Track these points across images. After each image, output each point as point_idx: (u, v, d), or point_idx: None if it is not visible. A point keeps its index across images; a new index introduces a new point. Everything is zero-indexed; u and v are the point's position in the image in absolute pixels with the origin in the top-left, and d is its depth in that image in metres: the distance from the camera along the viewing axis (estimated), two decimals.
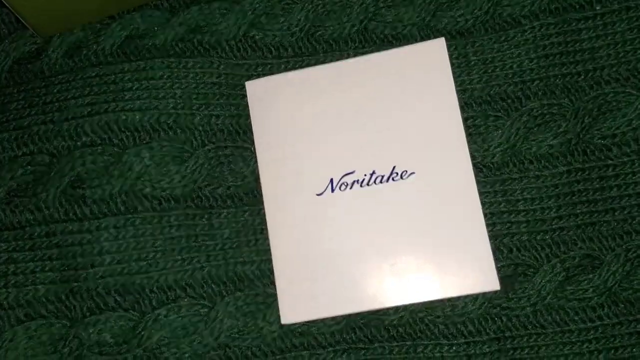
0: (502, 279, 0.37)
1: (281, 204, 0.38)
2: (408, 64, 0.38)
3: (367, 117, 0.38)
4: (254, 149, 0.38)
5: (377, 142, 0.38)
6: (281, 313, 0.36)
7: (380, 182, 0.37)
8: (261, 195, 0.38)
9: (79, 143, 0.38)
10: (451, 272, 0.35)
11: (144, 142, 0.38)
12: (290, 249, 0.37)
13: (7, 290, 0.37)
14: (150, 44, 0.40)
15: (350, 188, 0.37)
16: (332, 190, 0.37)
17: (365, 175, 0.37)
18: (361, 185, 0.37)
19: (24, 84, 0.40)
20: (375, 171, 0.37)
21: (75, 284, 0.38)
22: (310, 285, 0.36)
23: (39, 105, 0.39)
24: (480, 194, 0.37)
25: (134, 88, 0.39)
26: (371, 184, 0.37)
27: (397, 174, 0.37)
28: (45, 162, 0.38)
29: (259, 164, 0.38)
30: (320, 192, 0.37)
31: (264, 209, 0.38)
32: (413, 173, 0.37)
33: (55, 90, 0.39)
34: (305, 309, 0.36)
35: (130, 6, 0.40)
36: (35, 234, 0.38)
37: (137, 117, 0.38)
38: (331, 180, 0.38)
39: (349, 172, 0.38)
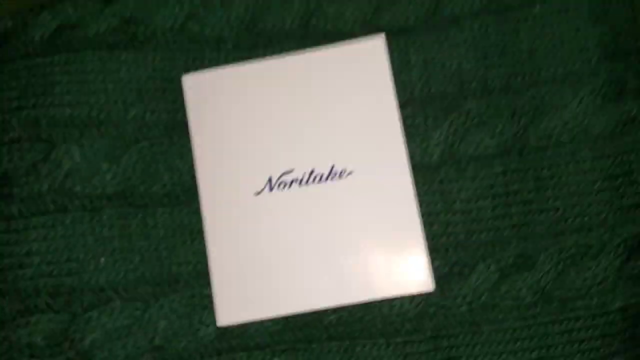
0: (439, 278, 0.37)
1: (218, 203, 0.37)
2: (347, 61, 0.37)
3: (307, 115, 0.37)
4: (192, 145, 0.38)
5: (316, 140, 0.37)
6: (217, 314, 0.35)
7: (319, 181, 0.36)
8: (198, 194, 0.37)
9: (5, 139, 0.37)
10: (387, 272, 0.35)
11: (74, 138, 0.37)
12: (228, 249, 0.36)
13: None
14: (82, 34, 0.38)
15: (289, 187, 0.37)
16: (271, 189, 0.37)
17: (304, 173, 0.37)
18: (300, 184, 0.37)
19: None
20: (314, 170, 0.37)
21: (3, 285, 0.36)
22: (248, 286, 0.36)
23: None
24: (418, 193, 0.37)
25: (64, 82, 0.37)
26: (310, 183, 0.36)
27: (335, 172, 0.37)
28: None
29: (196, 161, 0.37)
30: (259, 190, 0.37)
31: (200, 207, 0.37)
32: (352, 172, 0.36)
33: None
34: (243, 310, 0.36)
35: None
36: None
37: (67, 112, 0.37)
38: (269, 179, 0.37)
39: (287, 170, 0.37)
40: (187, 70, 0.38)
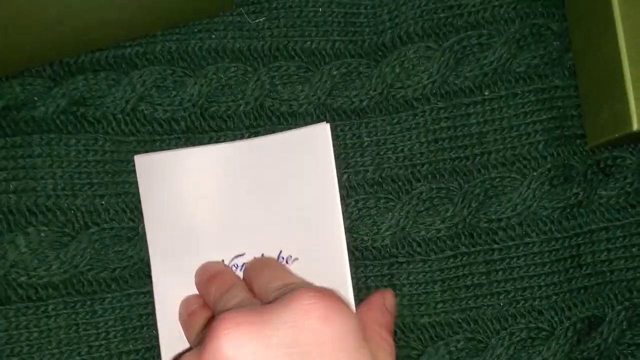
0: None
1: (170, 287, 0.36)
2: (294, 148, 0.38)
3: (257, 200, 0.37)
4: (142, 228, 0.37)
5: (266, 225, 0.37)
6: None
7: None
8: (149, 277, 0.37)
9: None
10: None
11: (20, 227, 0.36)
12: (179, 335, 0.36)
13: None
14: (28, 116, 0.37)
15: (241, 270, 0.37)
16: None
17: (254, 257, 0.37)
18: None
19: None
20: (264, 254, 0.37)
21: None
22: None
23: None
24: (367, 277, 0.37)
25: (9, 167, 0.36)
26: None
27: (283, 258, 0.37)
28: None
29: (148, 244, 0.37)
30: None
31: (152, 291, 0.36)
32: (297, 259, 0.37)
33: None
34: None
35: (10, 71, 0.38)
36: None
37: (13, 199, 0.36)
38: (222, 262, 0.37)
39: (239, 254, 0.37)
40: (139, 152, 0.38)
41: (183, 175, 0.37)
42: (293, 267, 0.36)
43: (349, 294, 0.36)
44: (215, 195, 0.37)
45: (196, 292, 0.36)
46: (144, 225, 0.37)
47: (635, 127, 0.35)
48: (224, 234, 0.37)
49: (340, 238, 0.37)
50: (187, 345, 0.35)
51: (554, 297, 0.39)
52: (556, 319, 0.38)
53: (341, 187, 0.38)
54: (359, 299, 0.37)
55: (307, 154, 0.37)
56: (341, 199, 0.38)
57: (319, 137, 0.38)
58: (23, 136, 0.37)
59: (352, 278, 0.37)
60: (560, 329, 0.38)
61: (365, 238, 0.38)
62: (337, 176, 0.38)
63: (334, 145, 0.38)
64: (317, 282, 0.35)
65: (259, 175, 0.37)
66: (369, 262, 0.38)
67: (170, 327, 0.36)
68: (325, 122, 0.38)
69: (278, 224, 0.37)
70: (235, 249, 0.37)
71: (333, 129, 0.39)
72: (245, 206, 0.37)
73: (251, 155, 0.38)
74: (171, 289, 0.36)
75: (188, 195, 0.37)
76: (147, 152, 0.38)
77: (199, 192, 0.37)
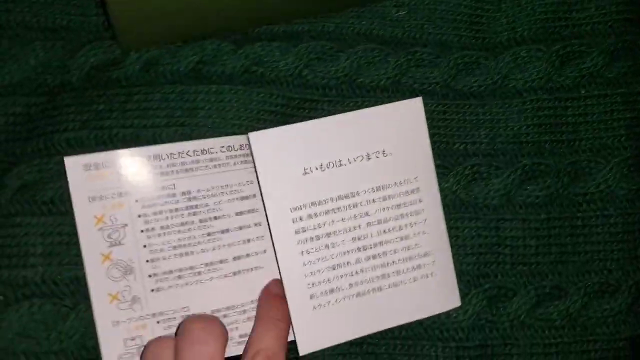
0: (490, 298, 0.46)
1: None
2: (391, 119, 0.44)
3: (360, 168, 0.43)
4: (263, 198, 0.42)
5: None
6: (299, 345, 0.41)
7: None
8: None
9: None
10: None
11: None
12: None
13: None
14: (220, 71, 0.46)
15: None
16: None
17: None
18: None
19: (104, 88, 0.45)
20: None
21: None
22: (324, 315, 0.42)
23: (119, 111, 0.45)
24: (478, 228, 0.46)
25: (205, 108, 0.45)
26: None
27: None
28: None
29: (269, 220, 0.42)
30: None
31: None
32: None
33: (134, 100, 0.45)
34: (321, 337, 0.42)
35: (203, 32, 0.47)
36: None
37: (208, 133, 0.45)
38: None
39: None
40: (303, 108, 0.47)
41: (292, 148, 0.42)
42: (392, 236, 0.44)
43: (447, 252, 0.44)
44: (325, 165, 0.42)
45: None
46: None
47: None
48: (337, 201, 0.43)
49: (436, 199, 0.44)
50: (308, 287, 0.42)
51: (622, 261, 0.48)
52: (623, 277, 0.47)
53: (458, 154, 0.47)
54: (464, 252, 0.47)
55: (403, 124, 0.44)
56: (457, 164, 0.47)
57: (413, 109, 0.44)
58: (217, 86, 0.46)
59: (465, 228, 0.46)
60: (625, 286, 0.47)
61: (478, 196, 0.47)
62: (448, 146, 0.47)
63: (454, 121, 0.48)
64: (418, 242, 0.44)
65: (360, 145, 0.43)
66: (480, 217, 0.47)
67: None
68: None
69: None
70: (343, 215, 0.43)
71: (455, 107, 0.48)
72: (349, 174, 0.43)
73: (355, 127, 0.43)
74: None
75: (300, 166, 0.42)
76: (305, 109, 0.47)
77: (310, 163, 0.42)
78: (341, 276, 0.42)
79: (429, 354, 0.46)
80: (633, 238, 0.48)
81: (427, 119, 0.44)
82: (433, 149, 0.45)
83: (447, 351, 0.46)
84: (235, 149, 0.43)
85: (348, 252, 0.42)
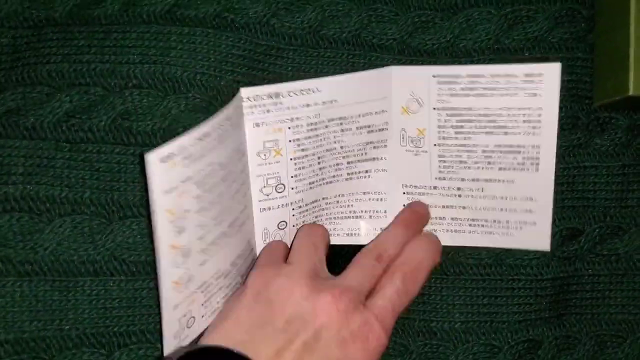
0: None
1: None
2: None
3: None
4: None
5: None
6: None
7: None
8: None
9: (129, 84, 0.49)
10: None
11: (182, 92, 0.49)
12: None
13: None
14: (193, 14, 0.50)
15: None
16: None
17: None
18: None
19: (85, 25, 0.49)
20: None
21: None
22: None
23: (97, 47, 0.49)
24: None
25: (177, 48, 0.49)
26: None
27: None
28: (99, 94, 0.48)
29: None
30: None
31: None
32: None
33: (112, 37, 0.49)
34: None
35: None
36: None
37: (178, 72, 0.49)
38: None
39: None
40: (270, 55, 0.51)
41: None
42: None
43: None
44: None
45: None
46: None
47: (630, 92, 0.49)
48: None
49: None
50: None
51: None
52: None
53: None
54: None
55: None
56: None
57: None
58: (189, 28, 0.49)
59: None
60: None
61: None
62: None
63: None
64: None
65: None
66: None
67: None
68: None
69: None
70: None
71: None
72: None
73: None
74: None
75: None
76: (271, 56, 0.51)
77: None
78: None
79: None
80: (560, 190, 0.53)
81: None
82: None
83: None
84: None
85: None
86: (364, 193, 0.51)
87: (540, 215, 0.48)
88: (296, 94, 0.46)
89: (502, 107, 0.46)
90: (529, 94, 0.45)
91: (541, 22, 0.53)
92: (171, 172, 0.36)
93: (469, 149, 0.48)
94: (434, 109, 0.48)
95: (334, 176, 0.50)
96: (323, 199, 0.50)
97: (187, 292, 0.40)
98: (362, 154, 0.50)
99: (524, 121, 0.46)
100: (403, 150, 0.50)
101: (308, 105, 0.47)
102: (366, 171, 0.51)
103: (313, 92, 0.46)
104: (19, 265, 0.46)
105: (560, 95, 0.49)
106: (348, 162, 0.50)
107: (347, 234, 0.51)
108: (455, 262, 0.52)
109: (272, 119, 0.46)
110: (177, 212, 0.37)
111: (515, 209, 0.48)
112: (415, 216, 0.48)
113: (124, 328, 0.48)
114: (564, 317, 0.54)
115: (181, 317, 0.41)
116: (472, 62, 0.53)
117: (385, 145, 0.50)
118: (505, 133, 0.47)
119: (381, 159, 0.51)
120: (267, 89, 0.45)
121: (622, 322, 0.55)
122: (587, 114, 0.54)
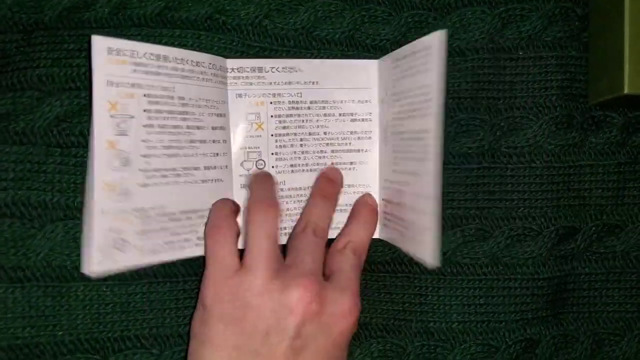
0: None
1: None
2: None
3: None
4: None
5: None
6: None
7: None
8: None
9: None
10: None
11: None
12: None
13: None
14: (184, 17, 0.50)
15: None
16: None
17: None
18: None
19: (75, 29, 0.49)
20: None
21: None
22: None
23: (87, 51, 0.48)
24: None
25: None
26: None
27: None
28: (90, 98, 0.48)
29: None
30: None
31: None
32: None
33: None
34: None
35: None
36: None
37: None
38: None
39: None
40: (263, 56, 0.51)
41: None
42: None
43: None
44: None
45: None
46: None
47: (625, 90, 0.48)
48: None
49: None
50: None
51: (545, 208, 0.52)
52: (545, 224, 0.52)
53: None
54: None
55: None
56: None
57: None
58: (180, 30, 0.49)
59: None
60: (546, 231, 0.52)
61: None
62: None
63: None
64: None
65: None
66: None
67: None
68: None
69: None
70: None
71: None
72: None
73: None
74: None
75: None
76: (263, 57, 0.51)
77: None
78: None
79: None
80: (557, 189, 0.53)
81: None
82: None
83: None
84: (217, 68, 0.47)
85: None
86: (349, 186, 0.51)
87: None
88: (278, 71, 0.49)
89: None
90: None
91: (535, 21, 0.53)
92: (119, 67, 0.40)
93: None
94: None
95: (317, 164, 0.50)
96: (308, 187, 0.50)
97: (120, 205, 0.40)
98: (346, 144, 0.50)
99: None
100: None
101: (290, 83, 0.49)
102: (351, 163, 0.51)
103: (295, 71, 0.49)
104: (11, 272, 0.46)
105: (555, 94, 0.49)
106: (332, 151, 0.50)
107: (332, 228, 0.51)
108: (452, 263, 0.52)
109: (254, 92, 0.48)
110: (120, 109, 0.40)
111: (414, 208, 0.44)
112: (331, 185, 0.48)
113: (118, 333, 0.48)
114: (561, 316, 0.54)
115: (109, 231, 0.39)
116: (465, 62, 0.53)
117: (370, 137, 0.50)
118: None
119: (366, 151, 0.50)
120: (252, 62, 0.48)
121: (620, 320, 0.55)
122: (581, 112, 0.53)
